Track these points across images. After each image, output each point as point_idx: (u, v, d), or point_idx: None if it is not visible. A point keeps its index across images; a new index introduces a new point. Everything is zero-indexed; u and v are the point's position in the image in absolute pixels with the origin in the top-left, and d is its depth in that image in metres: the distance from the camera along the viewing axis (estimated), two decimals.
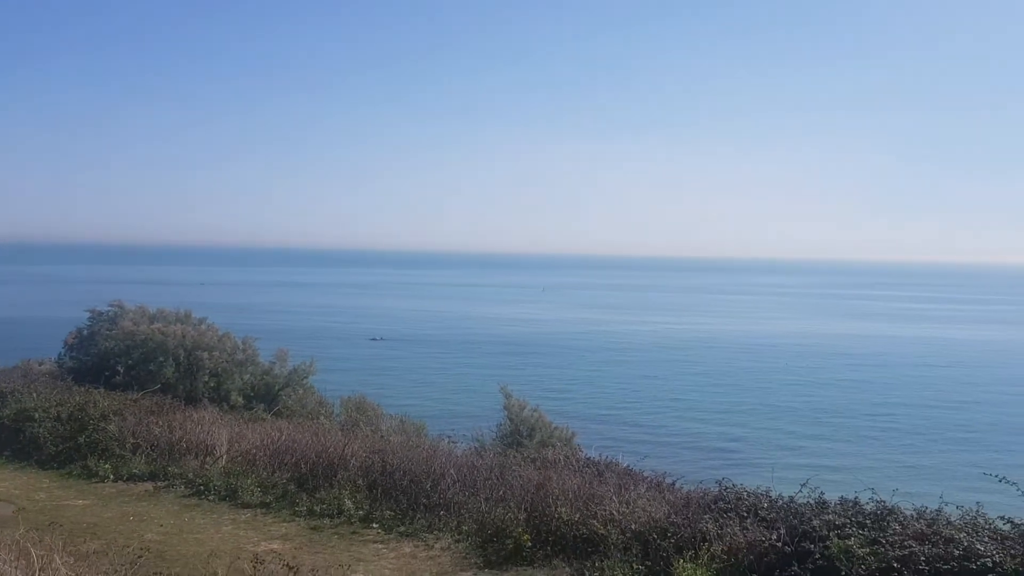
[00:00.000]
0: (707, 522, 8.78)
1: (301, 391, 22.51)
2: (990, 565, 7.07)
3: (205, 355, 21.91)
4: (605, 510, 9.40)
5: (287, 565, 7.51)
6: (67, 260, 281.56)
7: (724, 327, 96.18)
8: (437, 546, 9.65)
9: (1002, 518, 7.99)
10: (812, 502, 8.98)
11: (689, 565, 8.14)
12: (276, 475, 12.04)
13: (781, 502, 9.15)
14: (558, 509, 9.53)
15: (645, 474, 12.45)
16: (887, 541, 7.69)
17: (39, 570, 6.82)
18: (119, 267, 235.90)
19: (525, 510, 9.80)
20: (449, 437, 15.56)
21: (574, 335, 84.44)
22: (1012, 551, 7.24)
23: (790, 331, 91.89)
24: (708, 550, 8.38)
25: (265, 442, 13.18)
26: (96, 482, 12.40)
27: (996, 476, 8.61)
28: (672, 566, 8.24)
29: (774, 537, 8.24)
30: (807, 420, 43.79)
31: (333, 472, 11.72)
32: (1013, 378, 59.80)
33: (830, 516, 8.36)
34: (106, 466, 12.76)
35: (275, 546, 9.49)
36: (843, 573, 7.51)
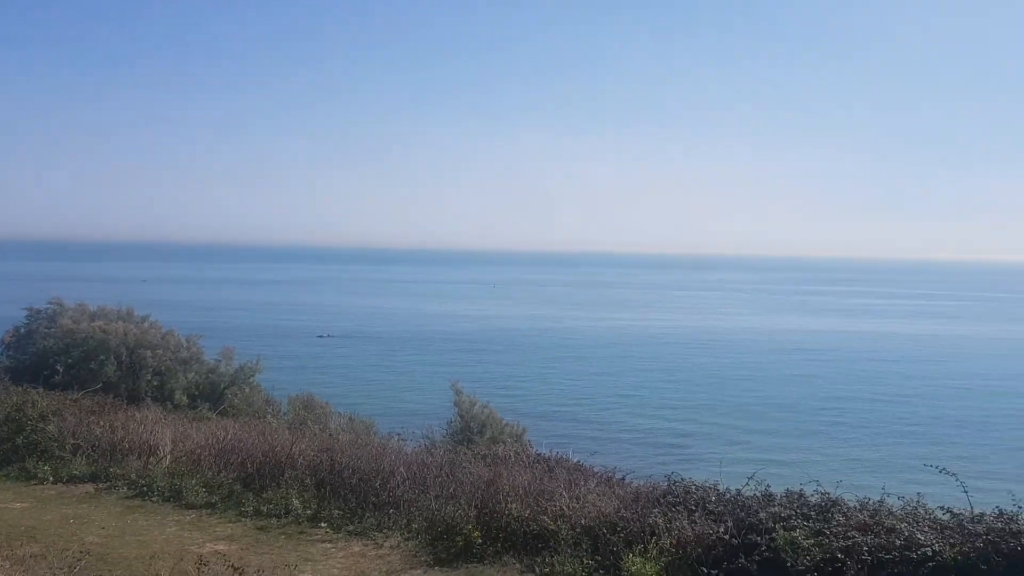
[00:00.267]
0: (656, 516, 8.84)
1: (247, 390, 22.23)
2: (930, 554, 7.25)
3: (148, 353, 21.51)
4: (555, 506, 9.42)
5: (232, 566, 7.36)
6: (1, 256, 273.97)
7: (679, 323, 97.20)
8: (387, 544, 9.57)
9: (941, 508, 8.18)
10: (759, 495, 9.10)
11: (638, 559, 8.19)
12: (222, 475, 11.83)
13: (729, 495, 9.25)
14: (508, 505, 9.52)
15: (595, 469, 12.52)
16: (831, 532, 7.83)
17: None
18: (57, 263, 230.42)
19: (475, 507, 9.76)
20: (399, 435, 15.48)
21: (526, 332, 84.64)
22: (951, 540, 7.42)
23: (744, 327, 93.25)
24: (657, 544, 8.44)
25: (210, 441, 12.95)
26: (35, 484, 12.04)
27: (936, 467, 8.81)
28: (622, 560, 8.28)
29: (722, 530, 8.33)
30: (756, 415, 44.44)
31: (280, 471, 11.55)
32: (955, 372, 61.45)
33: (776, 508, 8.48)
34: (45, 468, 12.40)
35: (221, 547, 9.32)
36: (789, 564, 7.62)
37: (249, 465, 11.87)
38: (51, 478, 12.20)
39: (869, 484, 9.71)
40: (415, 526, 9.91)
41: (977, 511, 7.95)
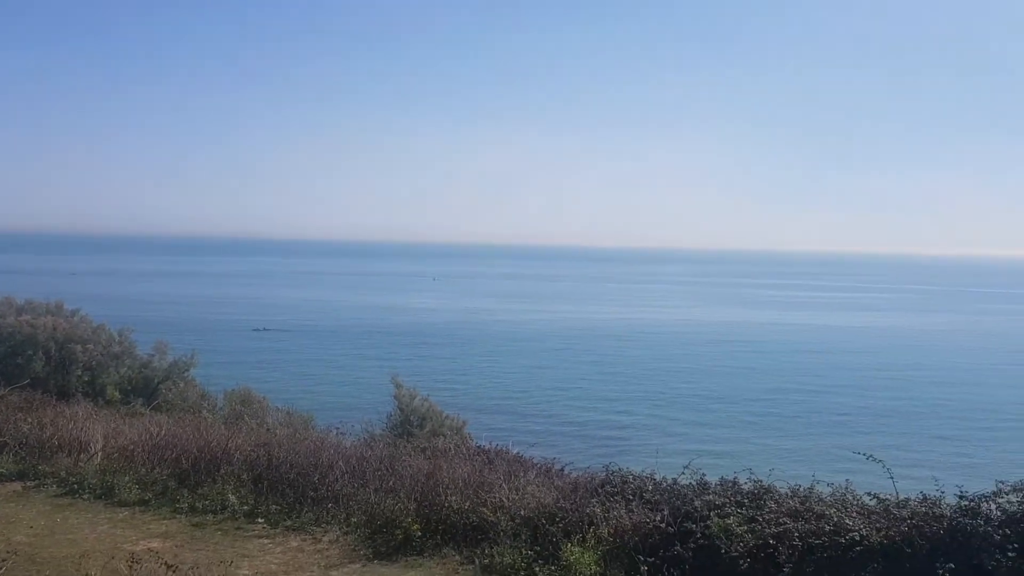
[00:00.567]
0: (594, 506, 8.95)
1: (182, 384, 21.83)
2: (857, 538, 7.46)
3: (78, 348, 20.98)
4: (495, 497, 9.46)
5: (166, 563, 7.25)
6: None
7: (615, 316, 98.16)
8: (325, 539, 9.50)
9: (869, 494, 8.42)
10: (694, 484, 9.26)
11: (577, 549, 8.28)
12: (155, 471, 11.60)
13: (665, 484, 9.40)
14: (448, 498, 9.54)
15: (535, 461, 12.59)
16: (763, 519, 8.02)
17: None
18: None
19: (415, 500, 9.76)
20: (338, 429, 15.34)
21: (466, 325, 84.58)
22: (877, 525, 7.66)
23: (678, 319, 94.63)
24: (595, 533, 8.54)
25: (143, 437, 12.68)
26: None
27: (864, 455, 9.08)
28: (560, 550, 8.36)
29: (658, 518, 8.47)
30: (691, 407, 45.17)
31: (216, 467, 11.37)
32: (882, 364, 63.22)
33: (711, 497, 8.65)
34: None
35: (154, 544, 9.15)
36: (723, 551, 7.78)
37: (184, 461, 11.66)
38: None
39: (801, 473, 9.94)
40: (354, 520, 9.86)
41: (902, 497, 8.19)
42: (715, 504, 8.46)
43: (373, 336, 73.60)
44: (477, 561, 8.62)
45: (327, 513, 10.08)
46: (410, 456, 11.86)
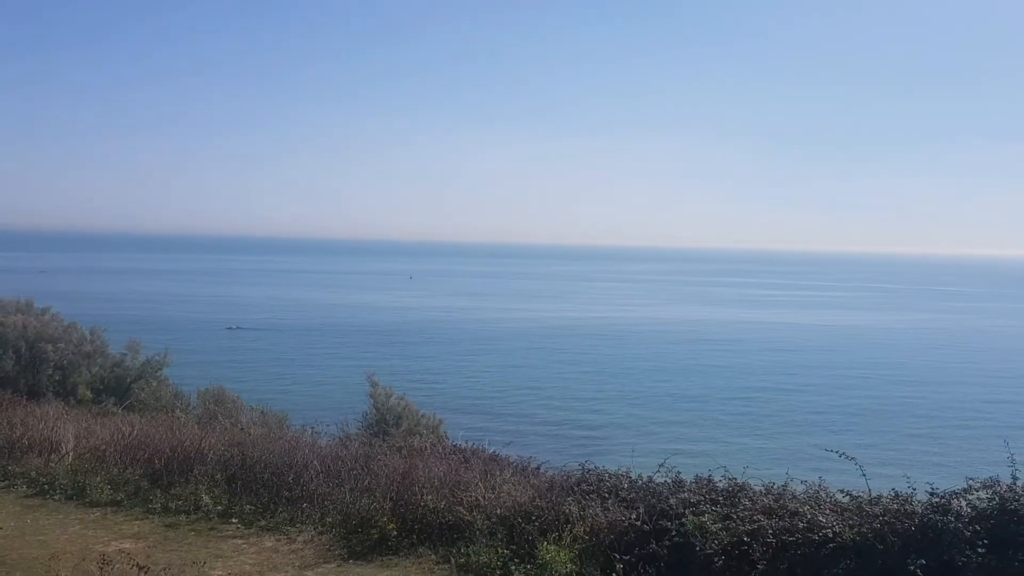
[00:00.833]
0: (570, 504, 8.96)
1: (155, 384, 21.60)
2: (831, 535, 7.53)
3: (49, 347, 20.70)
4: (471, 496, 9.45)
5: (137, 564, 7.17)
6: None
7: (588, 314, 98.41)
8: (300, 539, 9.45)
9: (842, 492, 8.49)
10: (670, 482, 9.28)
11: (552, 547, 8.29)
12: (128, 471, 11.48)
13: (641, 483, 9.42)
14: (424, 497, 9.51)
15: (511, 460, 12.58)
16: (738, 516, 8.06)
17: None
18: None
19: (391, 499, 9.73)
20: (312, 428, 15.22)
21: (442, 323, 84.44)
22: (850, 522, 7.73)
23: (651, 317, 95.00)
24: (571, 531, 8.56)
25: (116, 437, 12.54)
26: None
27: (837, 452, 9.16)
28: (536, 548, 8.37)
29: (633, 516, 8.50)
30: (666, 406, 45.35)
31: (189, 467, 11.28)
32: (854, 361, 63.86)
33: (686, 494, 8.68)
34: None
35: (127, 545, 9.06)
36: (697, 548, 7.82)
37: (157, 461, 11.55)
38: None
39: (775, 472, 10.02)
40: (329, 520, 9.81)
41: (875, 494, 8.27)
42: (690, 502, 8.50)
43: (348, 335, 73.27)
44: (453, 560, 8.61)
45: (302, 513, 10.02)
46: (386, 455, 11.81)
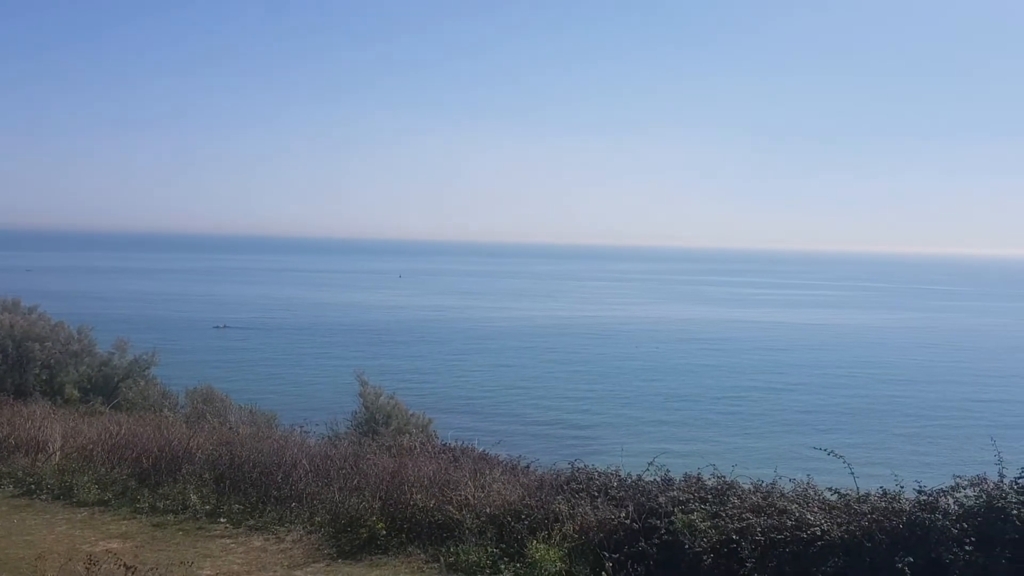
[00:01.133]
0: (560, 503, 8.96)
1: (143, 383, 21.48)
2: (819, 533, 7.55)
3: (36, 346, 20.57)
4: (460, 495, 9.43)
5: (124, 565, 7.12)
6: None
7: (578, 313, 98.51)
8: (288, 538, 9.41)
9: (830, 490, 8.52)
10: (659, 480, 9.30)
11: (542, 546, 8.29)
12: (115, 471, 11.41)
13: (630, 481, 9.43)
14: (413, 496, 9.49)
15: (500, 458, 12.57)
16: (727, 515, 8.07)
17: None
18: None
19: (380, 498, 9.70)
20: (301, 427, 15.17)
21: (431, 322, 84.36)
22: (838, 520, 7.75)
23: (642, 317, 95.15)
24: (560, 530, 8.56)
25: (103, 437, 12.46)
26: None
27: (825, 451, 9.18)
28: (526, 547, 8.37)
29: (623, 515, 8.50)
30: (655, 405, 45.43)
31: (177, 466, 11.22)
32: (841, 361, 64.09)
33: (675, 493, 8.68)
34: None
35: (114, 545, 9.01)
36: (687, 547, 7.82)
37: (144, 460, 11.48)
38: None
39: (764, 471, 10.04)
40: (318, 519, 9.78)
41: (863, 492, 8.30)
42: (679, 500, 8.51)
43: (337, 334, 73.15)
44: (442, 559, 8.60)
45: (290, 512, 9.99)
46: (375, 454, 11.78)
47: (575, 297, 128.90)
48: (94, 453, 11.98)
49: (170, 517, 10.08)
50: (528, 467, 11.93)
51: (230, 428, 14.50)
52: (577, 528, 8.54)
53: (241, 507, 10.22)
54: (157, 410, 18.94)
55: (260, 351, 61.89)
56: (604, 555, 8.01)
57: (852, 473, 8.67)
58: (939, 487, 7.83)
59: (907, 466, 30.05)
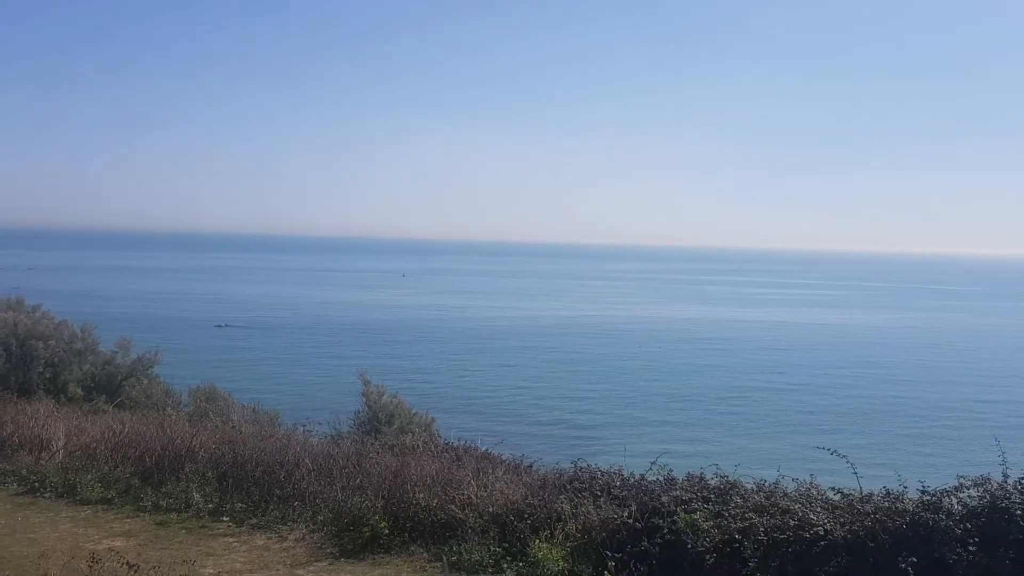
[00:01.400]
0: (563, 502, 8.96)
1: (146, 381, 21.53)
2: (822, 533, 7.53)
3: (40, 344, 20.61)
4: (463, 494, 9.42)
5: (127, 563, 7.13)
6: None
7: (579, 312, 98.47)
8: (291, 537, 9.42)
9: (833, 489, 8.51)
10: (662, 479, 9.29)
11: (545, 545, 8.28)
12: (118, 469, 11.42)
13: (633, 480, 9.42)
14: (416, 495, 9.48)
15: (503, 457, 12.55)
16: (730, 514, 8.06)
17: None
18: None
19: (383, 497, 9.69)
20: (304, 426, 15.19)
21: (434, 321, 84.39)
22: (841, 519, 7.74)
23: (642, 316, 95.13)
24: (563, 529, 8.55)
25: (106, 435, 12.49)
26: None
27: (828, 450, 9.17)
28: (529, 546, 8.36)
29: (626, 514, 8.49)
30: (658, 406, 45.41)
31: (180, 465, 11.23)
32: (843, 361, 64.03)
33: (678, 492, 8.67)
34: None
35: (117, 543, 9.01)
36: (689, 546, 7.82)
37: (148, 459, 11.49)
38: None
39: (766, 472, 10.03)
40: (321, 518, 9.78)
41: (866, 492, 8.28)
42: (682, 500, 8.50)
43: (340, 333, 73.19)
44: (445, 558, 8.59)
45: (293, 511, 9.99)
46: (378, 453, 11.78)
47: (576, 296, 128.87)
48: (97, 451, 12.00)
49: (173, 515, 10.09)
50: (531, 466, 11.92)
51: (233, 427, 14.52)
52: (580, 527, 8.54)
53: (244, 506, 10.23)
54: (160, 409, 18.97)
55: (263, 350, 61.95)
56: (607, 554, 8.00)
57: (855, 473, 8.65)
58: (943, 487, 7.81)
59: (910, 467, 30.03)
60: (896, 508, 7.74)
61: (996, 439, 8.91)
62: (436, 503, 9.34)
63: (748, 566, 7.49)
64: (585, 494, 9.13)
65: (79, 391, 20.55)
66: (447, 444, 13.75)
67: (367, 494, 9.87)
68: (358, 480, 10.40)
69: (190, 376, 27.80)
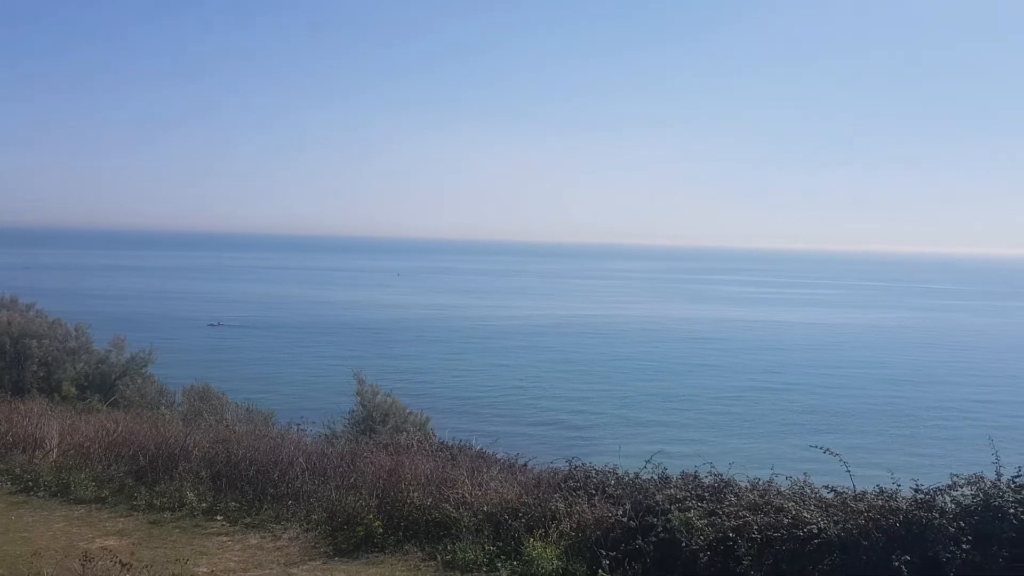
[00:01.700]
0: (557, 501, 8.95)
1: (140, 380, 21.51)
2: (815, 531, 7.53)
3: (34, 343, 20.57)
4: (458, 493, 9.41)
5: (120, 562, 7.11)
6: None
7: (577, 312, 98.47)
8: (285, 536, 9.40)
9: (827, 487, 8.50)
10: (656, 478, 9.29)
11: (539, 544, 8.28)
12: (112, 468, 11.39)
13: (627, 479, 9.42)
14: (410, 494, 9.47)
15: (498, 456, 12.53)
16: (723, 512, 8.06)
17: None
18: None
19: (377, 496, 9.68)
20: (298, 425, 15.15)
21: (429, 320, 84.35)
22: (835, 518, 7.74)
23: (640, 315, 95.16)
24: (557, 528, 8.55)
25: (100, 434, 12.45)
26: None
27: (821, 449, 9.17)
28: (523, 545, 8.35)
29: (620, 513, 8.49)
30: (653, 405, 45.44)
31: (174, 464, 11.20)
32: (838, 360, 64.13)
33: (672, 490, 8.67)
34: None
35: (111, 542, 9.00)
36: (683, 544, 7.81)
37: (141, 458, 11.47)
38: None
39: (760, 470, 10.03)
40: (315, 517, 9.76)
41: (859, 490, 8.29)
42: (676, 498, 8.50)
43: (334, 332, 73.12)
44: (439, 557, 8.58)
45: (287, 510, 9.97)
46: (372, 452, 11.75)
47: (574, 296, 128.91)
48: (91, 450, 11.97)
49: (167, 514, 10.06)
50: (525, 465, 11.91)
51: (227, 426, 14.51)
52: (574, 526, 8.53)
53: (238, 505, 10.20)
54: (154, 408, 18.95)
55: (257, 349, 61.87)
56: (601, 553, 8.00)
57: (849, 472, 8.66)
58: (936, 486, 7.81)
59: (905, 466, 29.99)
60: (890, 506, 7.74)
61: (990, 438, 8.92)
62: (430, 502, 9.33)
63: (742, 564, 7.49)
64: (579, 493, 9.13)
65: (73, 390, 20.51)
66: (442, 443, 13.73)
67: (361, 493, 9.85)
68: (352, 479, 10.38)
69: (184, 375, 27.70)
